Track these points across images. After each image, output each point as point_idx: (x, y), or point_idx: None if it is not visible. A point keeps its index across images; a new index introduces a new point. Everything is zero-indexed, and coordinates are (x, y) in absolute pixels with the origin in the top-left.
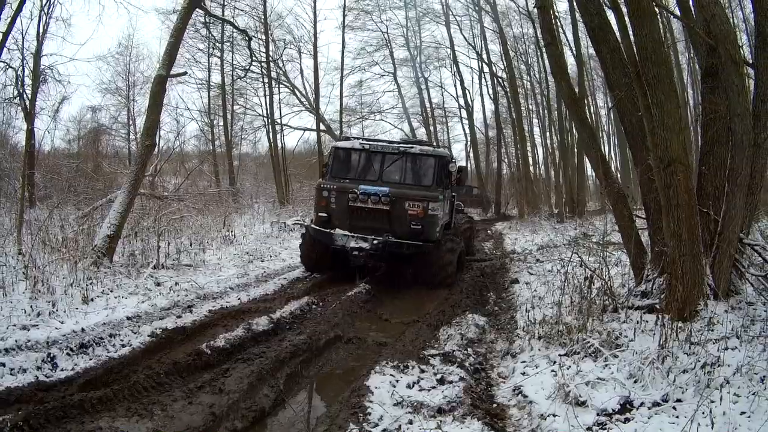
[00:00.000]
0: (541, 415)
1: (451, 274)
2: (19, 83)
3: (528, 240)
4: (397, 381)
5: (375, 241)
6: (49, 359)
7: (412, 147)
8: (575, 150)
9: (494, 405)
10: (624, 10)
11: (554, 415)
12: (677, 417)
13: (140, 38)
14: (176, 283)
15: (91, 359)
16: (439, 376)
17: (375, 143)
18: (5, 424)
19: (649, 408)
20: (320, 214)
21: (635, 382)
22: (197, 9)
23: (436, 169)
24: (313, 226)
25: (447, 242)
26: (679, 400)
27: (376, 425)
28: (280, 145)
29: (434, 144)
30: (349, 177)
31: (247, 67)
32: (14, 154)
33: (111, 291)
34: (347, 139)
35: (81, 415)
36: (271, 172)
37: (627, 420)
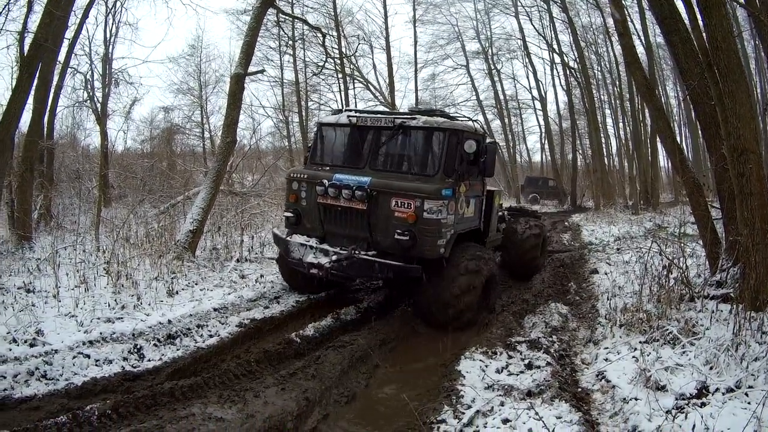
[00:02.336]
0: (624, 398)
1: (466, 310)
2: (89, 87)
3: (605, 231)
4: (487, 366)
5: (335, 257)
6: (135, 350)
7: (412, 118)
8: (648, 141)
9: (579, 389)
10: None
11: (636, 399)
12: (749, 403)
13: (209, 39)
14: (261, 276)
15: (178, 349)
16: (526, 362)
17: (366, 115)
18: (92, 412)
19: (723, 393)
20: (287, 213)
21: (711, 368)
22: (270, 8)
23: (445, 150)
24: (274, 230)
25: (464, 260)
26: (751, 387)
27: (469, 407)
28: None
29: (450, 114)
30: (332, 163)
31: (322, 64)
32: (86, 155)
33: (196, 284)
34: (339, 112)
35: (172, 402)
36: None
37: (703, 404)
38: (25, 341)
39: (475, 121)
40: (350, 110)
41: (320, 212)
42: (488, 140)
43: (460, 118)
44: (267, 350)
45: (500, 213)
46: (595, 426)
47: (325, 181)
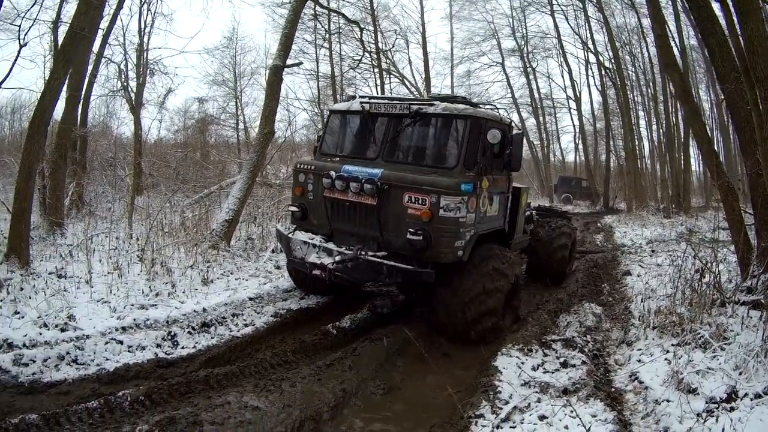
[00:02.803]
0: (656, 400)
1: (487, 316)
2: (123, 77)
3: (637, 234)
4: (523, 363)
5: (339, 257)
6: (169, 337)
7: (430, 104)
8: (681, 145)
9: (612, 389)
10: (729, 2)
11: (668, 401)
12: None
13: (245, 31)
14: None
15: (212, 338)
16: (562, 360)
17: (380, 101)
18: (125, 398)
19: (752, 399)
20: (292, 208)
21: (740, 373)
22: (308, 1)
23: (466, 140)
24: (277, 226)
25: (483, 262)
26: None
27: (507, 402)
28: None
29: (473, 101)
30: (343, 153)
31: (360, 58)
32: (118, 144)
33: (231, 273)
34: (353, 98)
35: (206, 390)
36: None
37: (732, 409)
38: (56, 326)
39: (501, 109)
40: (364, 96)
41: (327, 207)
42: (514, 131)
43: (484, 106)
44: (303, 341)
45: (527, 212)
46: (628, 426)
47: (332, 173)
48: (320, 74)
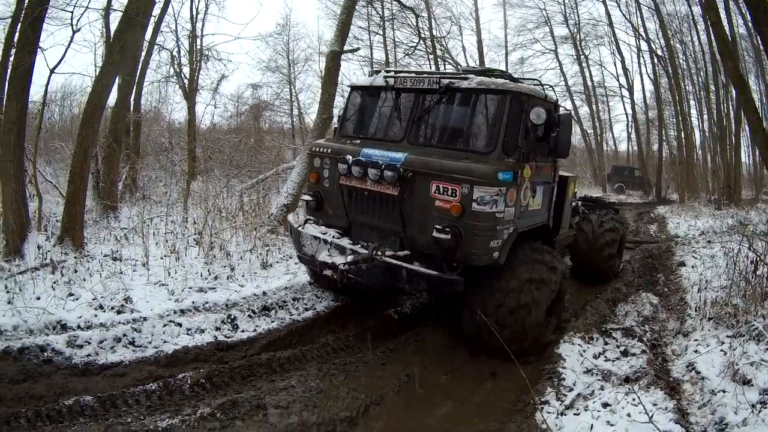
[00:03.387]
0: (712, 390)
1: (528, 332)
2: (176, 63)
3: (690, 225)
4: (585, 351)
5: (351, 257)
6: (228, 320)
7: (464, 78)
8: (732, 135)
9: (671, 379)
10: None
11: (723, 392)
12: None
13: (297, 17)
14: None
15: (273, 321)
16: (622, 348)
17: (407, 75)
18: (185, 380)
19: None
20: (305, 197)
21: None
22: None
23: (505, 120)
24: (290, 217)
25: (523, 268)
26: None
27: (571, 389)
28: None
29: (513, 76)
30: (365, 135)
31: (415, 45)
32: (171, 129)
33: (290, 257)
34: (377, 73)
35: (269, 373)
36: None
37: None
38: (112, 308)
39: (546, 86)
40: (389, 70)
41: (344, 196)
42: (561, 111)
43: (527, 82)
44: (366, 325)
45: (573, 203)
46: (686, 415)
47: (349, 158)
48: (374, 61)
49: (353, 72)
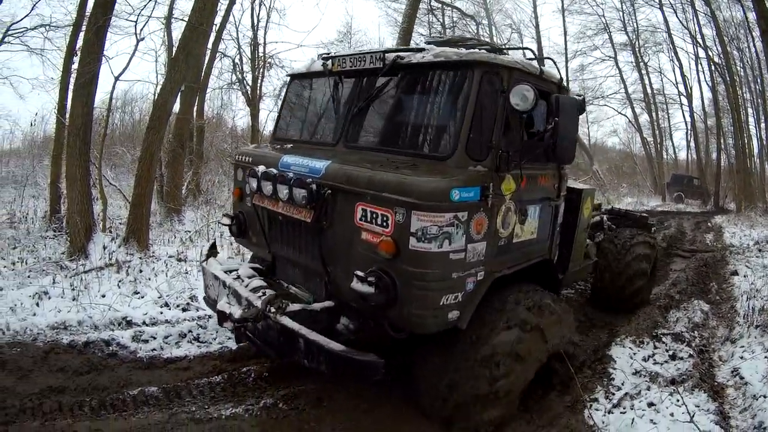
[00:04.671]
0: (754, 395)
1: (498, 412)
2: (238, 70)
3: (745, 234)
4: (635, 353)
5: (241, 311)
6: None
7: (419, 51)
8: None
9: (715, 383)
10: None
11: (764, 397)
12: None
13: (358, 25)
14: None
15: None
16: (671, 352)
17: (347, 55)
18: (249, 374)
19: None
20: (224, 219)
21: None
22: None
23: (471, 105)
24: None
25: (492, 336)
26: None
27: (619, 389)
28: None
29: (497, 46)
30: (301, 137)
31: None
32: (233, 135)
33: None
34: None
35: None
36: None
37: None
38: (178, 305)
39: (545, 59)
40: (328, 54)
41: (261, 220)
42: (571, 95)
43: (512, 53)
44: None
45: (596, 217)
46: (727, 418)
47: (258, 169)
48: None
49: None
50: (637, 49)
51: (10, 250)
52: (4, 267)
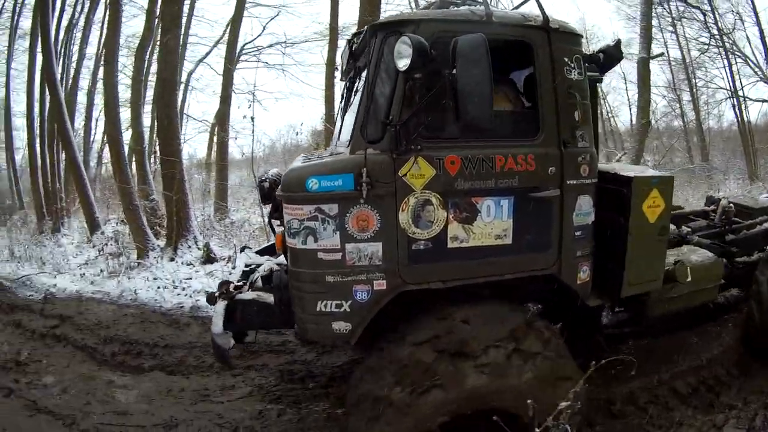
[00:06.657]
0: None
1: None
2: None
3: None
4: None
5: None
6: None
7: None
8: None
9: None
10: None
11: None
12: None
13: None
14: None
15: None
16: None
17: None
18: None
19: None
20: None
21: None
22: None
23: (370, 76)
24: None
25: (411, 341)
26: None
27: None
28: (745, 118)
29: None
30: None
31: (708, 43)
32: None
33: None
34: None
35: None
36: (737, 147)
37: None
38: None
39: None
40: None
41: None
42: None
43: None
44: None
45: (699, 221)
46: None
47: (270, 171)
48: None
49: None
50: None
51: None
52: None
